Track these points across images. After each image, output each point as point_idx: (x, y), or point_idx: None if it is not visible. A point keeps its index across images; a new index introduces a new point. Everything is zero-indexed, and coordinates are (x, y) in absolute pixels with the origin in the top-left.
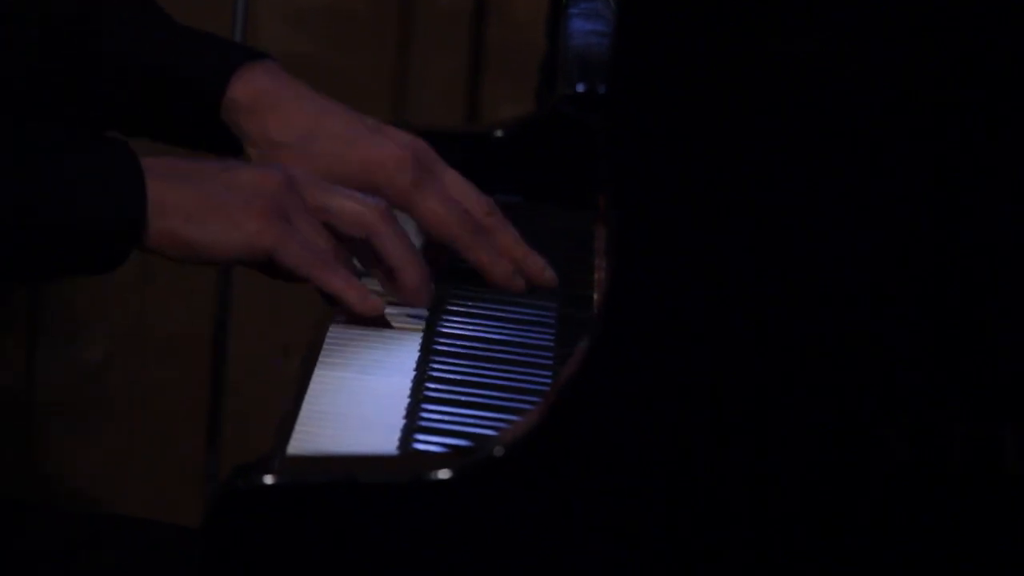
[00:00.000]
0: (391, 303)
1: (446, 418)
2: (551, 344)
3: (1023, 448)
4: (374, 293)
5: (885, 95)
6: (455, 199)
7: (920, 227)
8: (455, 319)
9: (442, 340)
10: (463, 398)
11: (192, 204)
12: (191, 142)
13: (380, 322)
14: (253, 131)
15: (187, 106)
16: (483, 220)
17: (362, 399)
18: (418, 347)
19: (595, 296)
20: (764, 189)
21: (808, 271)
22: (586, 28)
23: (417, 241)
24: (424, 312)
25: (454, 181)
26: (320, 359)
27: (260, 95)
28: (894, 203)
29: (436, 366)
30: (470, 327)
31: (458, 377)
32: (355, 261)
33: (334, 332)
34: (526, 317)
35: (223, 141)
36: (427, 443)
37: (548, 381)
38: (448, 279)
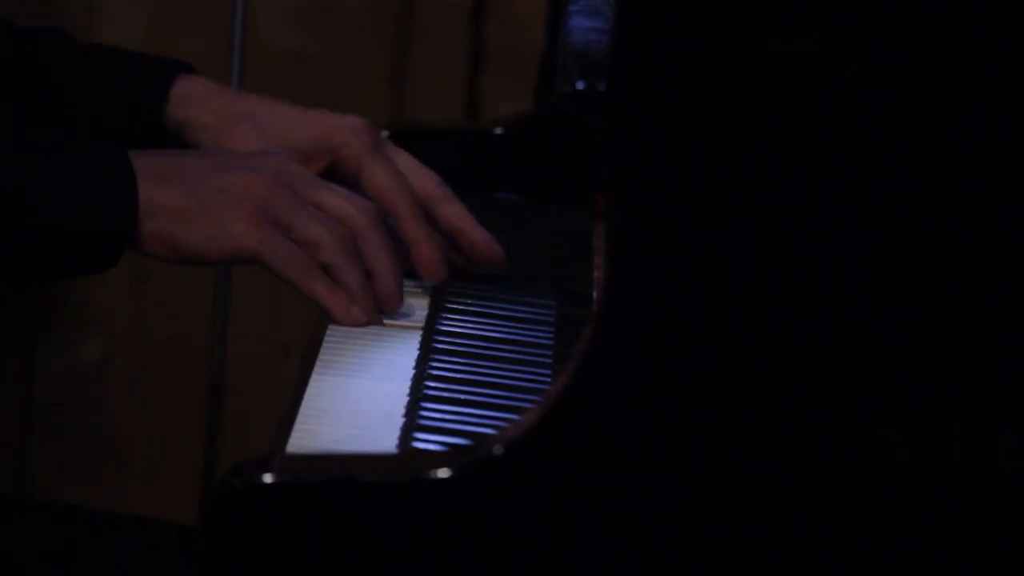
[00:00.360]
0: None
1: (446, 416)
2: (550, 342)
3: (1021, 448)
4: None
5: (885, 95)
6: (403, 174)
7: (920, 227)
8: (454, 317)
9: (441, 338)
10: (463, 396)
11: (182, 206)
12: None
13: (379, 321)
14: (199, 117)
15: (129, 121)
16: (431, 191)
17: (361, 398)
18: (417, 345)
19: (594, 294)
20: (764, 188)
21: (807, 270)
22: (586, 26)
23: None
24: (422, 312)
25: (404, 158)
26: (319, 358)
27: (202, 88)
28: (894, 203)
29: (435, 364)
30: (469, 325)
31: (457, 375)
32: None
33: (333, 331)
34: (525, 315)
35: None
36: (427, 441)
37: (548, 379)
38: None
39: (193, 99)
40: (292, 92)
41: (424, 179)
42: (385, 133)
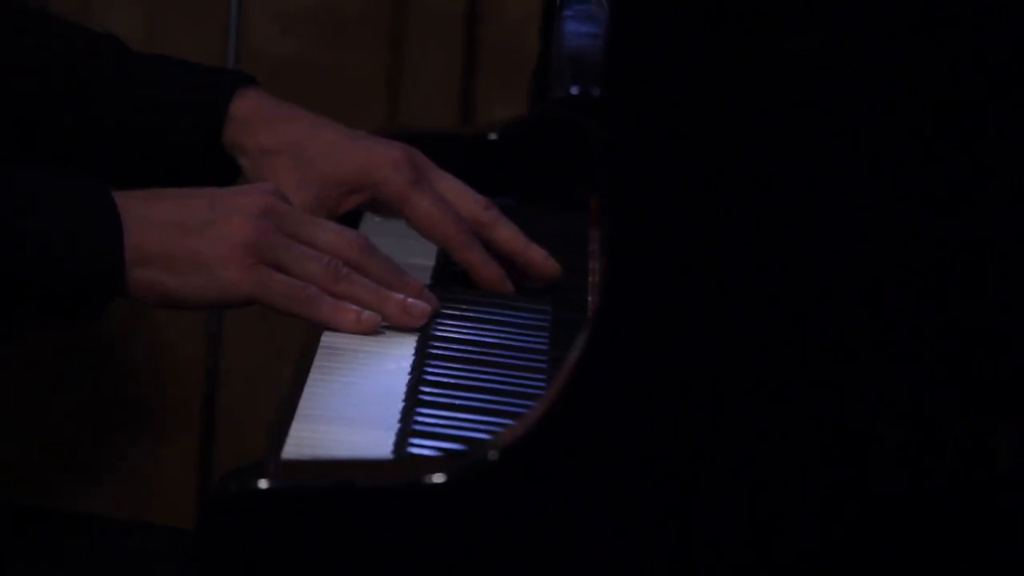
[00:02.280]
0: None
1: (441, 422)
2: (546, 348)
3: (1018, 446)
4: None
5: (882, 93)
6: (449, 200)
7: (919, 224)
8: (449, 323)
9: (437, 344)
10: (458, 402)
11: (170, 254)
12: (188, 176)
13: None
14: (247, 143)
15: (188, 137)
16: (480, 217)
17: (356, 403)
18: (412, 351)
19: (590, 299)
20: (760, 189)
21: (805, 270)
22: (580, 30)
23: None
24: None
25: (449, 184)
26: (314, 363)
27: (256, 109)
28: (892, 201)
29: (431, 370)
30: (465, 331)
31: (453, 381)
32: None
33: (328, 336)
34: (521, 321)
35: (218, 170)
36: (422, 447)
37: (543, 385)
38: (441, 283)
39: (245, 122)
40: (286, 96)
41: (470, 204)
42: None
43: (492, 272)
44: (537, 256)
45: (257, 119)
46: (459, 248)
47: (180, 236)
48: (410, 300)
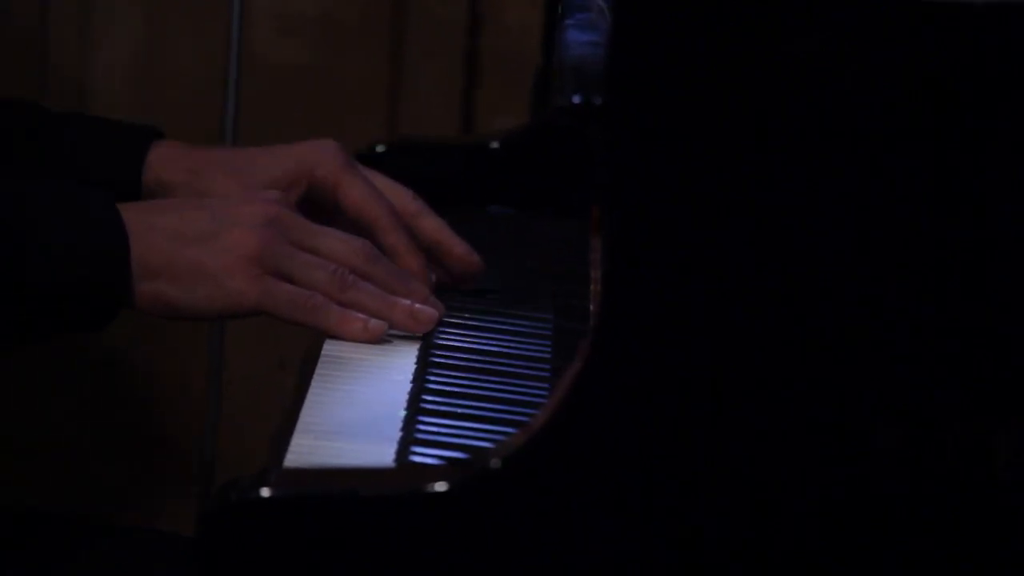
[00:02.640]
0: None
1: (443, 430)
2: (548, 356)
3: (1018, 447)
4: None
5: (882, 95)
6: (379, 188)
7: (920, 226)
8: (452, 331)
9: (439, 352)
10: (460, 410)
11: (176, 266)
12: None
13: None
14: (173, 177)
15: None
16: (407, 206)
17: (359, 411)
18: (415, 359)
19: (591, 307)
20: (762, 197)
21: (806, 275)
22: (581, 39)
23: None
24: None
25: (376, 175)
26: (317, 371)
27: (173, 151)
28: (893, 202)
29: (433, 378)
30: (467, 339)
31: (455, 389)
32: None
33: (330, 345)
34: (523, 329)
35: None
36: (424, 455)
37: (545, 393)
38: (442, 292)
39: (165, 162)
40: (287, 104)
41: (399, 194)
42: (381, 147)
43: (414, 261)
44: (460, 249)
45: (176, 157)
46: (387, 231)
47: (185, 247)
48: (417, 306)
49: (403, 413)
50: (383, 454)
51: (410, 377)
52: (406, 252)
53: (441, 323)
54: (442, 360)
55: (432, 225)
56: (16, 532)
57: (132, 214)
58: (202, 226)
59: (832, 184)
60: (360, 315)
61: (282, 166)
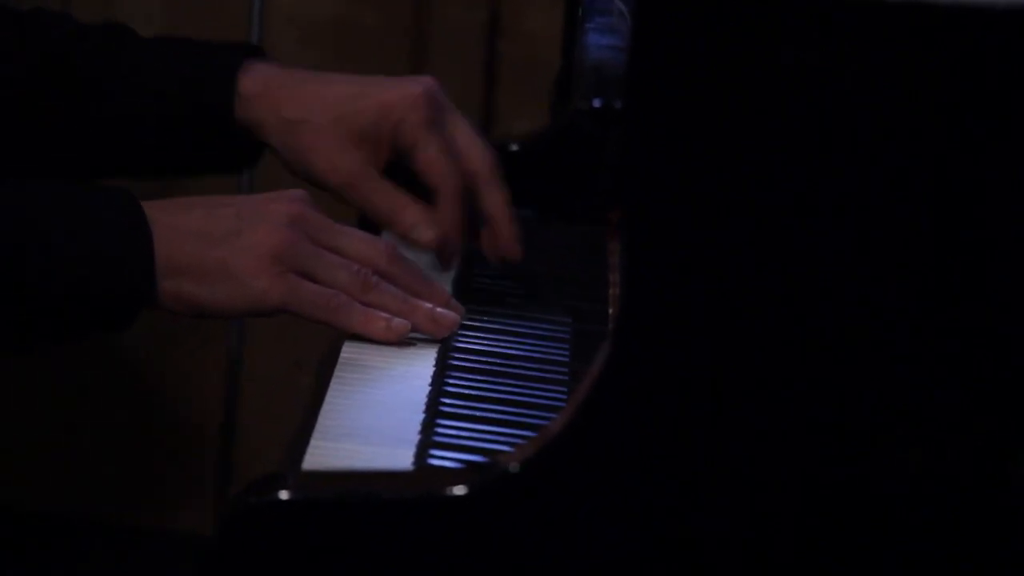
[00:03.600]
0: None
1: (462, 433)
2: (566, 359)
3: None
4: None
5: (900, 102)
6: (459, 148)
7: (946, 238)
8: (470, 334)
9: (457, 355)
10: (478, 413)
11: (200, 265)
12: (208, 163)
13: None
14: (267, 117)
15: (199, 118)
16: (480, 170)
17: (377, 414)
18: (433, 362)
19: (610, 311)
20: (781, 203)
21: (829, 280)
22: (602, 43)
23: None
24: None
25: (462, 130)
26: (335, 373)
27: (267, 81)
28: (919, 215)
29: (451, 381)
30: (485, 342)
31: (473, 392)
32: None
33: (349, 346)
34: (541, 332)
35: (237, 151)
36: (442, 459)
37: (564, 397)
38: (462, 295)
39: (256, 97)
40: None
41: (475, 157)
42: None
43: (449, 242)
44: (508, 234)
45: (267, 92)
46: (444, 199)
47: (209, 246)
48: (438, 309)
49: (421, 416)
50: (401, 457)
51: (428, 380)
52: (449, 227)
53: (460, 325)
54: (460, 363)
55: (495, 200)
56: (34, 533)
57: (156, 213)
58: (226, 225)
59: (855, 187)
60: (383, 314)
61: (367, 118)
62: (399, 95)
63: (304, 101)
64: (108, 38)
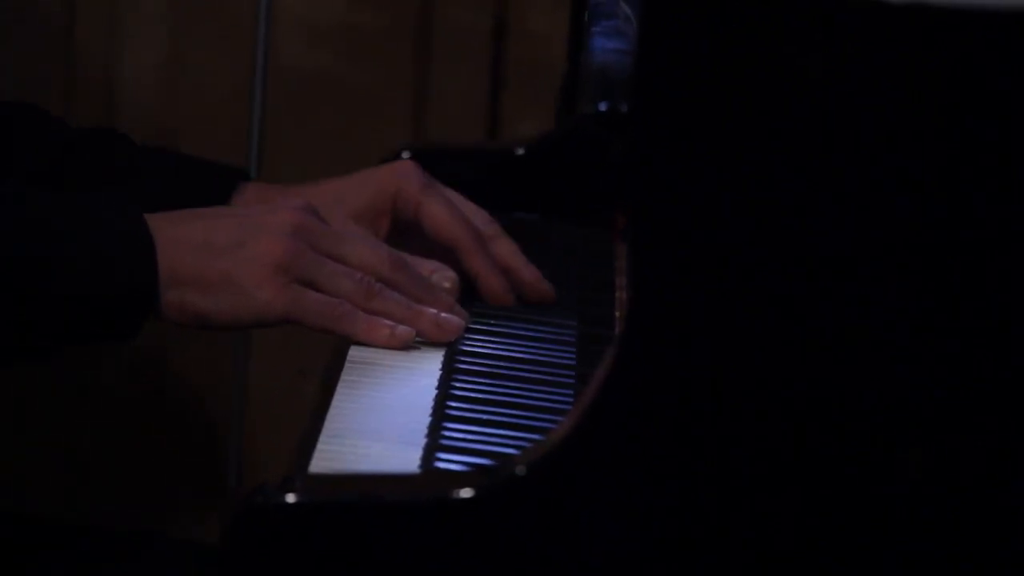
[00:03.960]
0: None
1: (468, 437)
2: (573, 362)
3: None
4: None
5: (908, 104)
6: (458, 208)
7: (945, 236)
8: (476, 337)
9: (464, 359)
10: (485, 417)
11: (203, 276)
12: None
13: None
14: None
15: None
16: (484, 229)
17: (383, 417)
18: (440, 365)
19: (616, 314)
20: (789, 205)
21: (839, 282)
22: (608, 46)
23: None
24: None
25: (454, 194)
26: (342, 377)
27: (261, 190)
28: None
29: (458, 384)
30: (491, 346)
31: (480, 396)
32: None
33: (355, 351)
34: (548, 336)
35: None
36: (449, 462)
37: (570, 400)
38: (467, 298)
39: (252, 201)
40: (313, 112)
41: (475, 216)
42: (406, 154)
43: (497, 281)
44: (532, 276)
45: (261, 197)
46: (469, 252)
47: (212, 257)
48: (443, 315)
49: (428, 419)
50: (408, 460)
51: (435, 383)
52: (488, 274)
53: (466, 329)
54: (467, 366)
55: (506, 249)
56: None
57: (159, 224)
58: (229, 236)
59: (862, 188)
60: (387, 322)
61: (366, 195)
62: (391, 170)
63: (302, 195)
64: (111, 144)
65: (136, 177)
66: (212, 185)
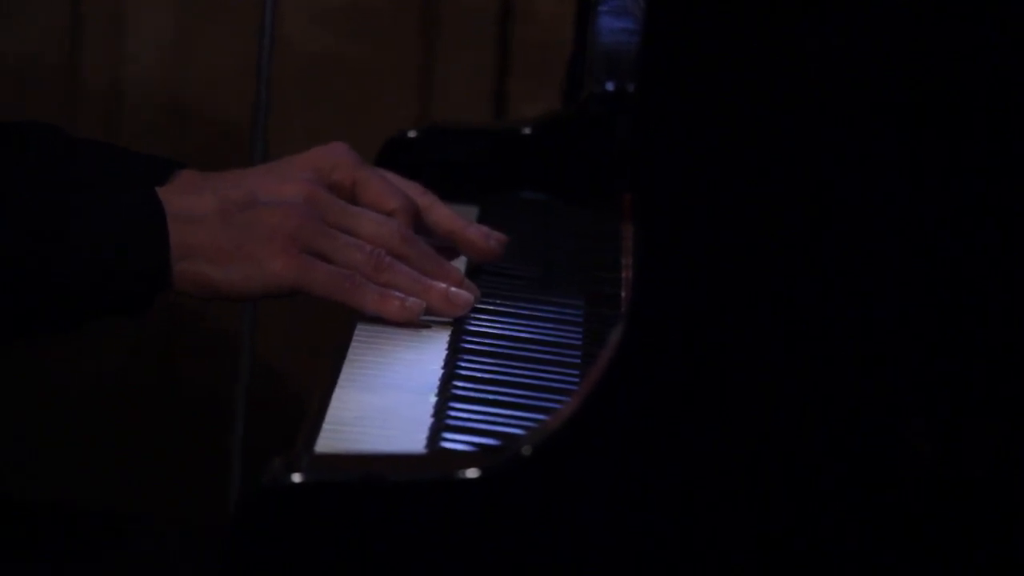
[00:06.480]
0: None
1: (474, 416)
2: (579, 343)
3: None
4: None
5: (923, 94)
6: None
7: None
8: (483, 317)
9: (470, 338)
10: (491, 396)
11: (214, 246)
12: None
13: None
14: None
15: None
16: (419, 200)
17: (389, 397)
18: (446, 345)
19: (623, 294)
20: (793, 188)
21: (841, 267)
22: (615, 26)
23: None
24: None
25: (386, 172)
26: (348, 357)
27: (198, 180)
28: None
29: (464, 364)
30: (498, 325)
31: (486, 375)
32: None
33: (362, 330)
34: (554, 315)
35: None
36: (455, 442)
37: (576, 380)
38: (473, 278)
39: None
40: (319, 92)
41: (409, 189)
42: (413, 133)
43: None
44: (474, 232)
45: (197, 185)
46: (402, 214)
47: (223, 228)
48: (452, 289)
49: (434, 399)
50: (414, 440)
51: (441, 363)
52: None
53: (473, 308)
54: (473, 346)
55: (444, 215)
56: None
57: (170, 195)
58: (242, 207)
59: (866, 173)
60: (398, 294)
61: (306, 172)
62: (325, 149)
63: (232, 180)
64: (43, 137)
65: (71, 164)
66: (147, 173)
